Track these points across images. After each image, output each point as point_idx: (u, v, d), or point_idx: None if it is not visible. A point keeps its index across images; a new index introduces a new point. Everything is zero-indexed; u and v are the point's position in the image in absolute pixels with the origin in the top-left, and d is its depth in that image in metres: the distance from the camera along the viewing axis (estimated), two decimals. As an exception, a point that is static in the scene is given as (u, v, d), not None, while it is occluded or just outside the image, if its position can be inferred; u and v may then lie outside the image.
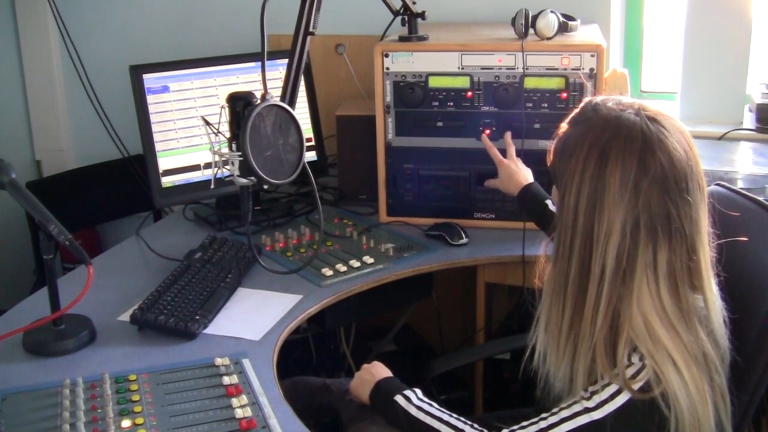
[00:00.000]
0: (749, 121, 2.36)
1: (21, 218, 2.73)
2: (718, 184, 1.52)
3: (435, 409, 1.37)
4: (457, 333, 2.42)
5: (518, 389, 2.06)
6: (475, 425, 1.31)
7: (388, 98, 2.04)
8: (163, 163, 2.08)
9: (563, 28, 1.98)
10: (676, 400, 1.12)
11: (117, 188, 2.86)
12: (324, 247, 1.96)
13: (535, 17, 1.95)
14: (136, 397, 1.35)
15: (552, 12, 1.94)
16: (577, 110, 1.26)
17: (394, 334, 2.44)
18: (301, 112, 2.27)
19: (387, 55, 2.02)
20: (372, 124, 2.07)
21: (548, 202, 1.78)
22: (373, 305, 1.98)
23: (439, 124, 2.04)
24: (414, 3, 2.05)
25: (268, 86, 1.51)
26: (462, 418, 1.34)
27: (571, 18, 2.03)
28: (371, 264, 1.86)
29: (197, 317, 1.58)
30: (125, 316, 1.62)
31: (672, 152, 1.14)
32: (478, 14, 2.49)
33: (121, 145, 2.81)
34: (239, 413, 1.30)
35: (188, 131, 2.12)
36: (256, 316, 1.65)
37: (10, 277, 2.97)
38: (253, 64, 2.19)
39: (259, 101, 1.49)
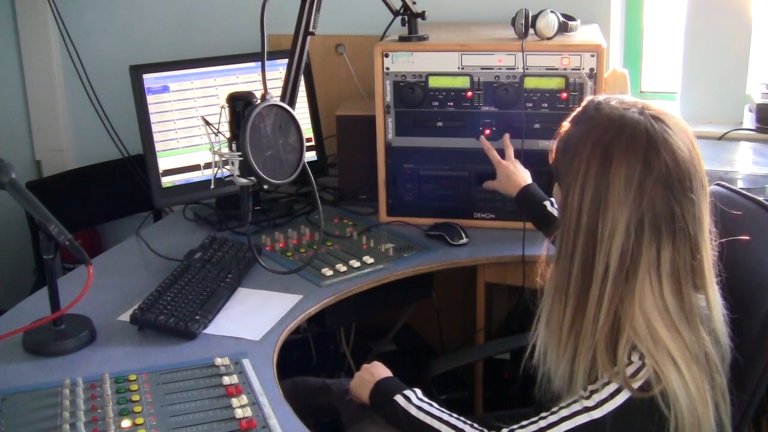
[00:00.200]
0: (749, 121, 2.36)
1: (21, 218, 2.73)
2: (718, 184, 1.52)
3: (435, 408, 1.37)
4: (457, 333, 2.42)
5: (518, 389, 2.06)
6: (475, 425, 1.31)
7: (388, 98, 2.04)
8: (163, 163, 2.08)
9: (563, 28, 1.98)
10: (675, 399, 1.12)
11: (117, 188, 2.86)
12: (324, 247, 1.96)
13: (535, 17, 1.95)
14: (136, 397, 1.35)
15: (552, 12, 1.94)
16: (579, 109, 1.25)
17: (394, 334, 2.44)
18: (301, 112, 2.27)
19: (387, 55, 2.02)
20: (372, 124, 2.07)
21: (547, 203, 1.78)
22: (373, 305, 1.98)
23: (439, 124, 2.03)
24: (414, 3, 2.05)
25: (268, 86, 1.51)
26: (462, 418, 1.34)
27: (571, 18, 2.03)
28: (371, 264, 1.86)
29: (197, 317, 1.58)
30: (125, 316, 1.62)
31: (676, 151, 1.14)
32: (478, 14, 2.49)
33: (121, 145, 2.81)
34: (239, 413, 1.30)
35: (188, 131, 2.12)
36: (256, 316, 1.65)
37: (10, 277, 2.97)
38: (253, 64, 2.19)
39: (259, 101, 1.49)
